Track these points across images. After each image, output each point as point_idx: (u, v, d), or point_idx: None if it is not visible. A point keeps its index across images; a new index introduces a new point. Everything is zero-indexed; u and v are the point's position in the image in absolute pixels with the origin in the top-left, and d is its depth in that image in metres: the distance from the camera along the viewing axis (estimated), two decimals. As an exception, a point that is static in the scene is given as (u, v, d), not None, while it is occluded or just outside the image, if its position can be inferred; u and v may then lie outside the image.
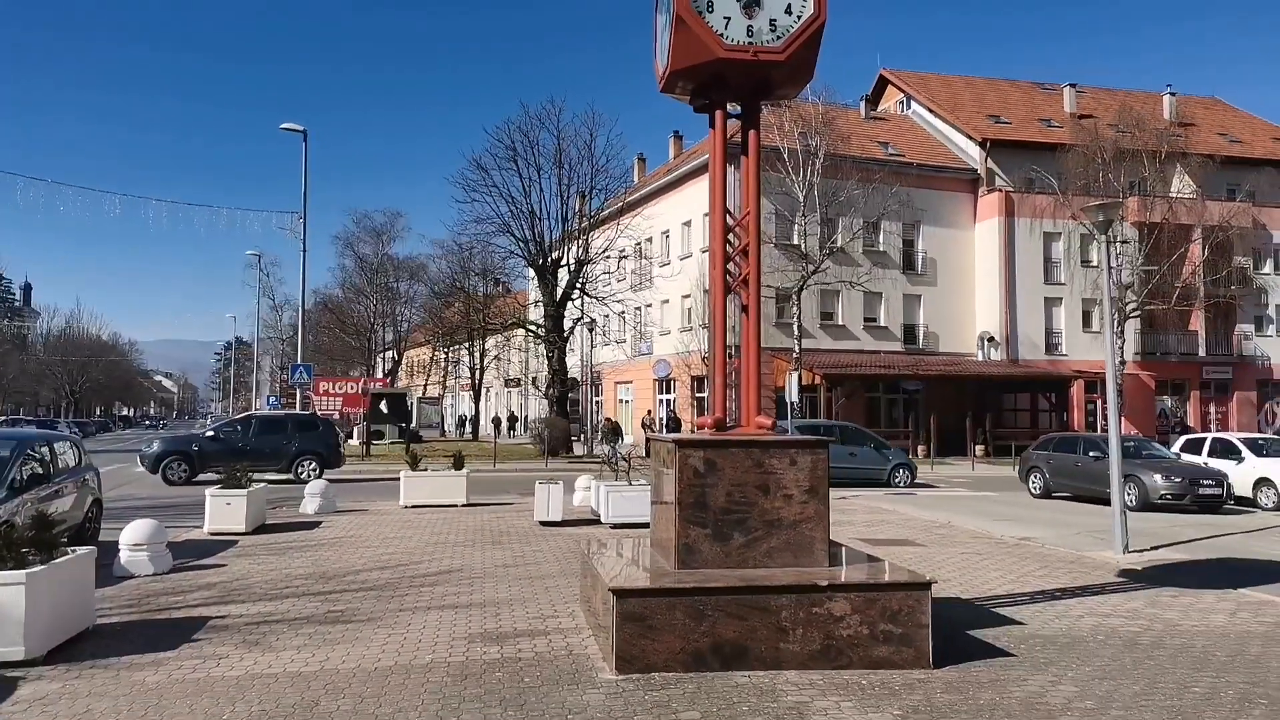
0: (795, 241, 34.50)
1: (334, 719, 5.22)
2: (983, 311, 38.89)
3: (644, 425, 36.07)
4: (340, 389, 34.38)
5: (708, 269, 7.85)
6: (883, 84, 47.73)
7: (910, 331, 38.55)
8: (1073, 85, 45.19)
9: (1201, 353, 39.42)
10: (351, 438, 40.27)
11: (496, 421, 52.99)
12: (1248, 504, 18.46)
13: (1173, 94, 44.76)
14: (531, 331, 37.40)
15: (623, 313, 38.13)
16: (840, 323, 37.42)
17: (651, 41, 7.74)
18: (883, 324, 38.08)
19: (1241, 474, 18.85)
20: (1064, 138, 38.62)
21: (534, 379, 47.08)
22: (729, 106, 7.45)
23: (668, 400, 40.18)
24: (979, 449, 34.35)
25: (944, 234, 39.05)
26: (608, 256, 34.62)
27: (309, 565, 10.30)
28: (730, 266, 7.38)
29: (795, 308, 33.72)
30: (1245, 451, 19.45)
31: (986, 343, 38.30)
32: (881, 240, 37.95)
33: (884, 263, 37.81)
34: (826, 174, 33.43)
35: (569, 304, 34.40)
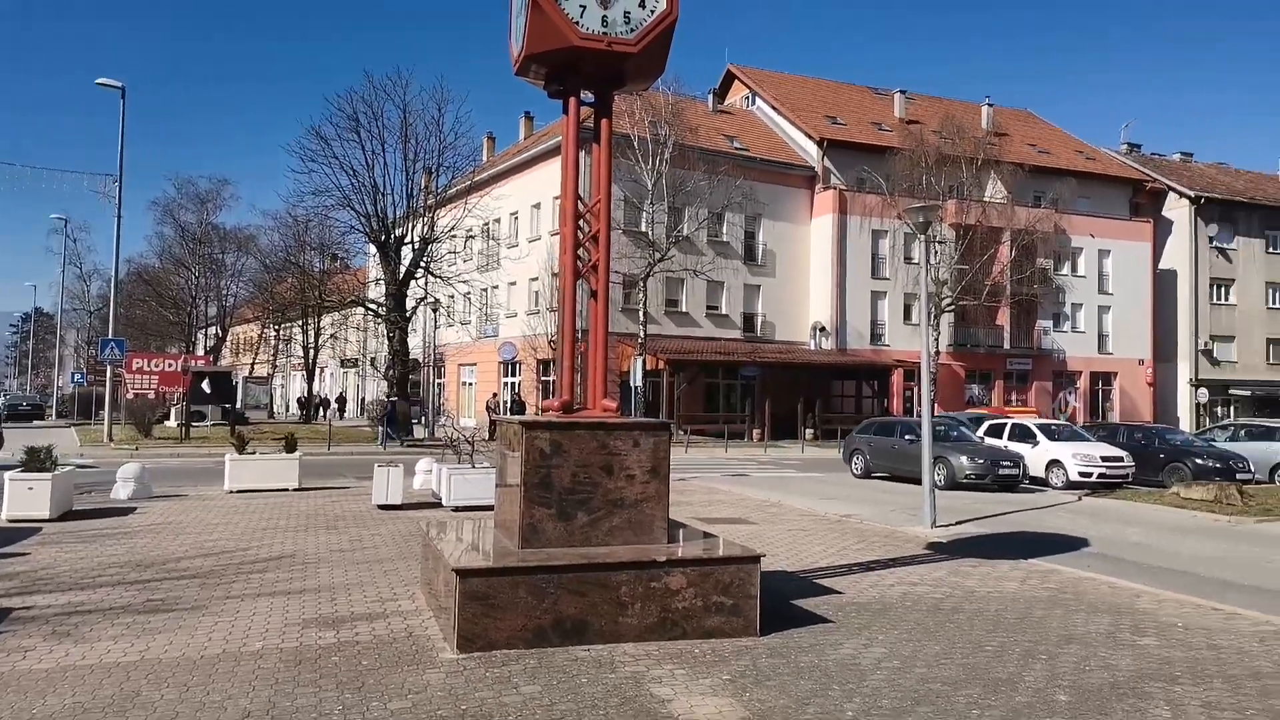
0: (643, 229, 35.06)
1: (157, 709, 5.01)
2: (816, 302, 40.87)
3: (488, 408, 35.76)
4: (156, 366, 32.04)
5: (558, 253, 7.94)
6: (730, 79, 49.05)
7: (749, 320, 40.03)
8: (903, 91, 48.03)
9: (1006, 345, 43.02)
10: (168, 419, 37.74)
11: (325, 402, 51.01)
12: (1040, 483, 20.38)
13: (990, 105, 48.43)
14: (372, 310, 36.25)
15: (469, 294, 37.59)
16: (684, 310, 38.37)
17: (506, 22, 7.73)
18: (724, 312, 39.34)
19: (1036, 456, 20.79)
20: (893, 141, 41.05)
21: (373, 359, 45.61)
22: (582, 94, 7.55)
23: (513, 383, 39.98)
24: (809, 432, 36.19)
25: (783, 227, 40.72)
26: (454, 236, 33.96)
27: (124, 553, 9.69)
28: (580, 252, 7.51)
29: (641, 294, 34.31)
30: (1040, 436, 21.46)
31: (818, 332, 40.31)
32: (725, 231, 39.13)
33: (726, 253, 39.04)
34: (674, 164, 34.14)
35: (412, 283, 33.53)
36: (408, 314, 33.54)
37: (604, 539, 6.85)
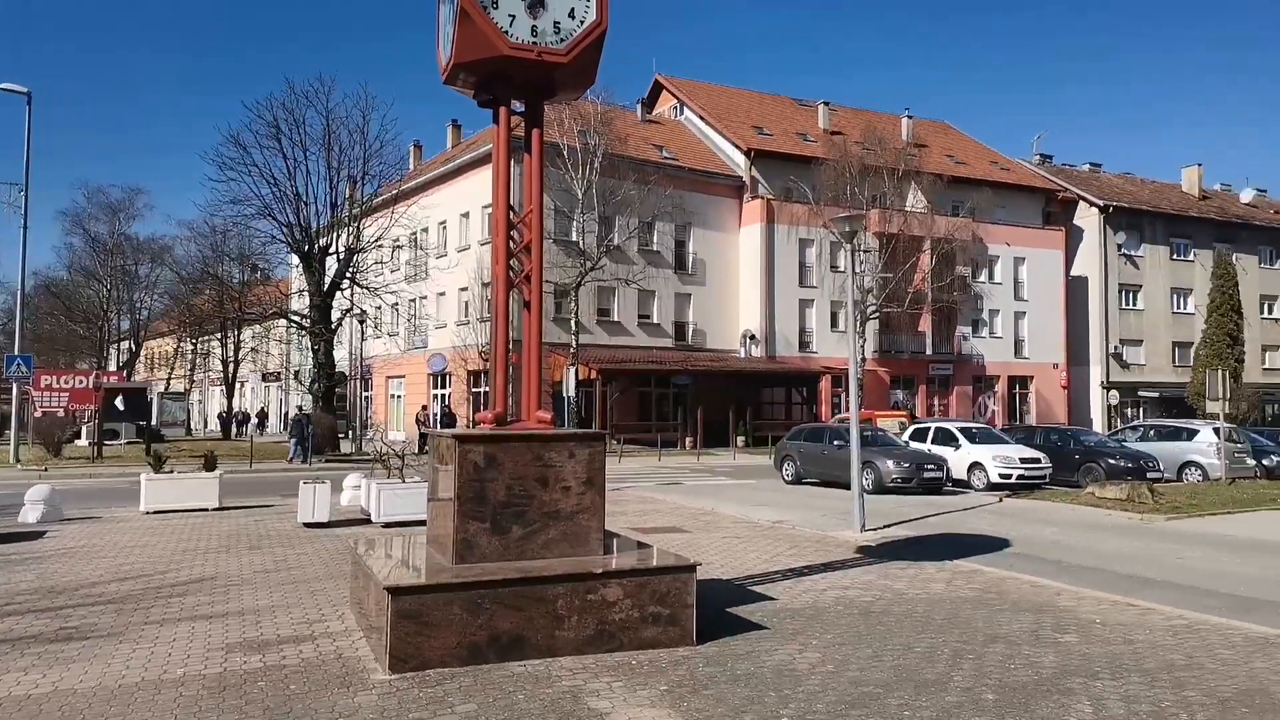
0: (574, 238, 35.02)
1: (72, 744, 4.77)
2: (746, 311, 41.36)
3: (418, 421, 35.21)
4: (66, 383, 30.65)
5: (490, 263, 7.87)
6: (658, 89, 49.41)
7: (681, 328, 40.29)
8: (826, 103, 49.06)
9: (928, 351, 44.21)
10: (79, 438, 36.14)
11: (245, 418, 49.46)
12: (962, 485, 20.98)
13: (910, 117, 49.80)
14: (295, 323, 35.32)
15: (396, 305, 36.93)
16: (616, 319, 38.42)
17: (434, 31, 7.64)
18: (656, 321, 39.53)
19: (958, 459, 21.39)
20: (818, 152, 41.90)
21: (296, 373, 44.47)
22: (513, 103, 7.51)
23: (443, 395, 39.44)
24: (740, 440, 36.56)
25: (712, 236, 41.14)
26: (380, 245, 33.35)
27: (34, 579, 9.23)
28: (512, 262, 7.45)
29: (573, 303, 34.24)
30: (961, 439, 22.10)
31: (749, 340, 40.79)
32: (655, 240, 39.36)
33: (657, 262, 39.25)
34: (605, 173, 34.22)
35: (337, 294, 32.83)
36: (333, 326, 32.81)
37: (540, 552, 6.80)
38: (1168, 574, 10.45)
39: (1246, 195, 58.35)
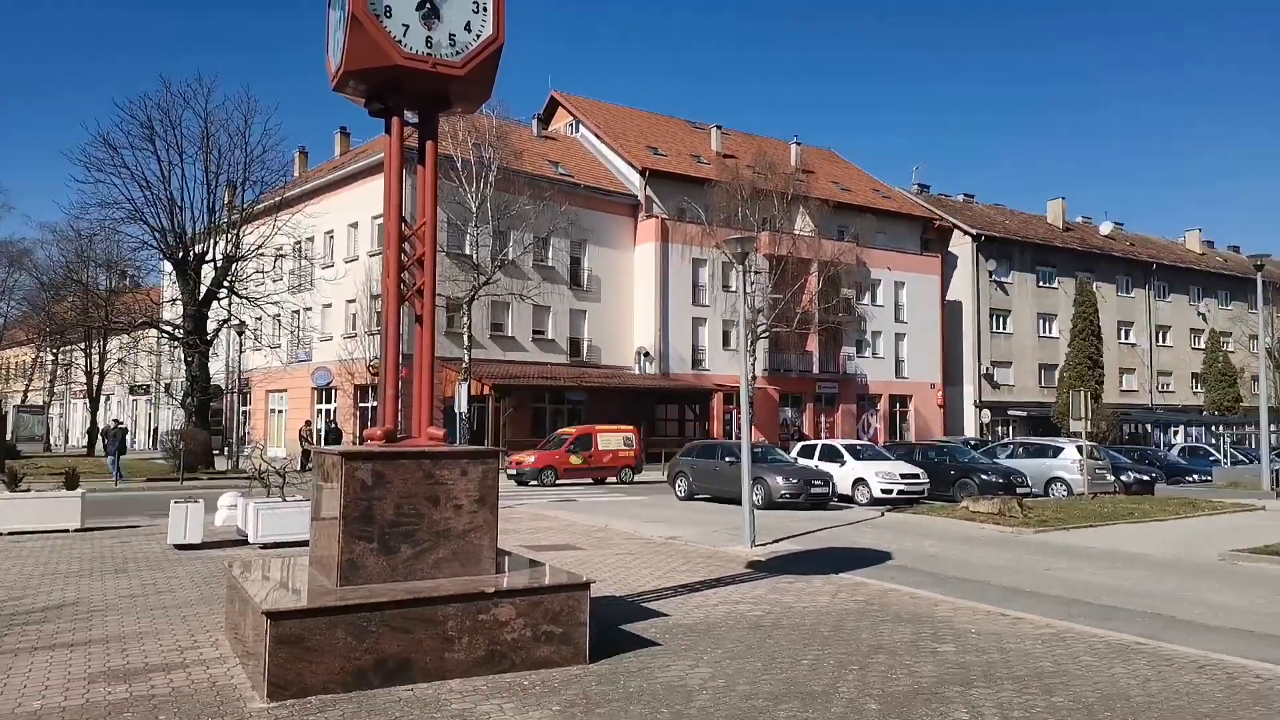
0: (467, 252, 34.57)
1: (-96, 792, 4.36)
2: (640, 328, 41.67)
3: (301, 437, 33.93)
4: (-93, 394, 28.22)
5: (379, 275, 7.68)
6: (554, 105, 49.44)
7: (575, 345, 40.24)
8: (719, 127, 50.12)
9: (815, 370, 45.51)
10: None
11: (96, 433, 46.50)
12: (847, 500, 21.64)
13: (798, 144, 51.39)
14: (167, 333, 33.54)
15: (278, 315, 35.57)
16: (510, 334, 38.06)
17: (324, 35, 7.43)
18: (550, 336, 39.36)
19: (844, 475, 22.06)
20: (711, 174, 42.70)
21: (167, 386, 42.19)
22: (406, 114, 7.37)
23: (328, 410, 38.15)
24: (634, 456, 36.65)
25: (608, 253, 41.33)
26: (262, 254, 32.08)
27: None
28: (405, 275, 7.29)
29: (466, 318, 33.74)
30: (846, 456, 22.82)
31: (643, 357, 41.09)
32: (550, 256, 39.25)
33: (552, 277, 39.14)
34: (499, 187, 33.94)
35: (215, 304, 31.37)
36: (208, 337, 31.33)
37: (430, 572, 6.63)
38: (1036, 584, 11.03)
39: (1105, 228, 62.61)
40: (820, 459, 23.07)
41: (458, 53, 6.94)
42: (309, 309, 39.72)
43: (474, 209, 33.51)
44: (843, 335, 46.23)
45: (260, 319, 35.23)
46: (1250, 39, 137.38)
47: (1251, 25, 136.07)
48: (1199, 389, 58.32)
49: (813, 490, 20.12)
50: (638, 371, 40.99)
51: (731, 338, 42.43)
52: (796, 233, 42.18)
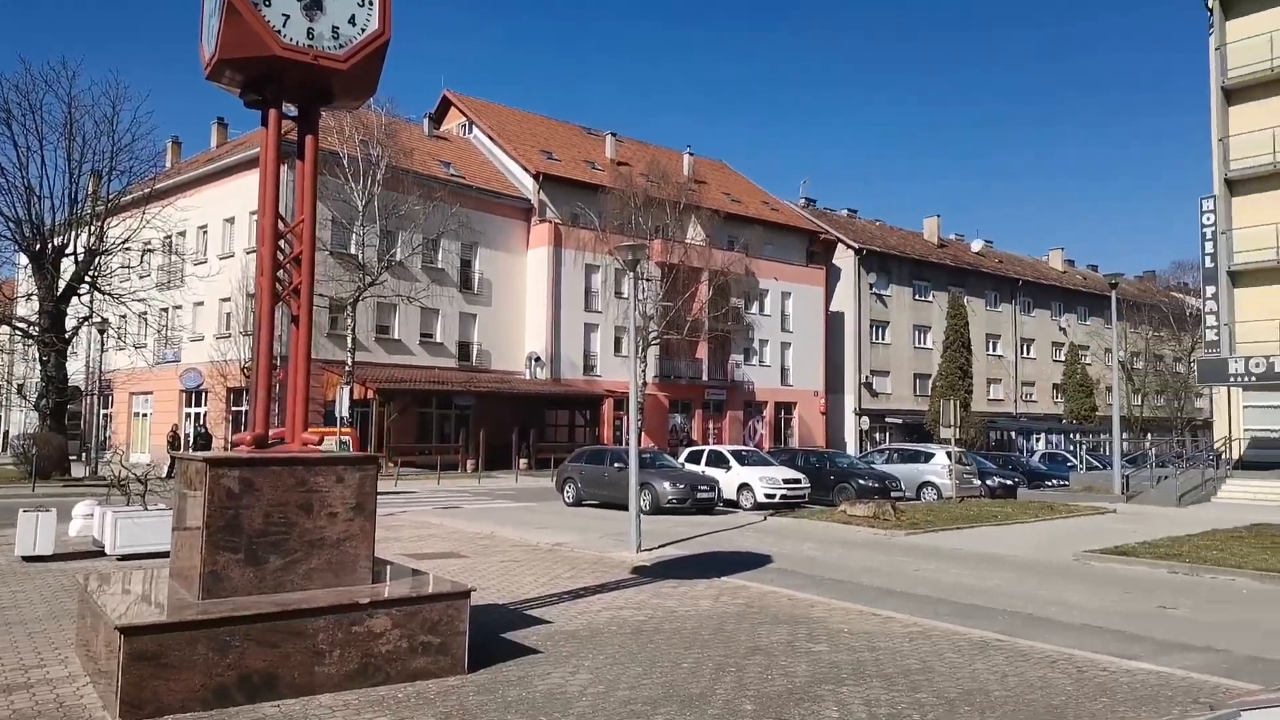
0: (353, 251, 33.57)
1: None
2: (532, 333, 41.39)
3: (169, 442, 32.16)
4: None
5: (255, 274, 7.38)
6: (446, 105, 48.64)
7: (465, 349, 39.62)
8: (613, 134, 50.36)
9: (705, 377, 46.23)
10: None
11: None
12: (733, 505, 22.03)
13: (691, 154, 52.17)
14: (20, 330, 31.24)
15: (145, 314, 33.64)
16: (396, 337, 37.15)
17: (198, 20, 7.09)
18: (439, 340, 38.62)
19: (729, 480, 22.46)
20: (605, 180, 42.86)
21: (20, 387, 39.31)
22: (285, 107, 7.11)
23: (198, 414, 36.33)
24: (523, 462, 36.38)
25: (499, 257, 40.90)
26: (128, 248, 30.26)
27: None
28: (280, 274, 7.02)
29: (350, 319, 32.74)
30: (732, 461, 23.25)
31: (534, 362, 40.81)
32: (440, 258, 38.55)
33: (442, 280, 38.45)
34: (388, 186, 33.12)
35: (75, 299, 29.40)
36: (67, 335, 29.34)
37: (301, 583, 6.39)
38: (906, 585, 11.50)
39: (976, 245, 65.98)
40: (707, 465, 23.42)
41: (341, 46, 6.75)
42: (179, 307, 37.74)
43: (360, 207, 32.60)
44: (731, 343, 47.10)
45: (125, 317, 33.25)
46: (1118, 73, 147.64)
47: (1119, 65, 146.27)
48: (1059, 399, 62.10)
49: (699, 495, 20.40)
50: (528, 376, 40.69)
51: (623, 344, 42.64)
52: (688, 241, 42.76)
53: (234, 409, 33.89)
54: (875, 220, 62.88)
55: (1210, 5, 30.32)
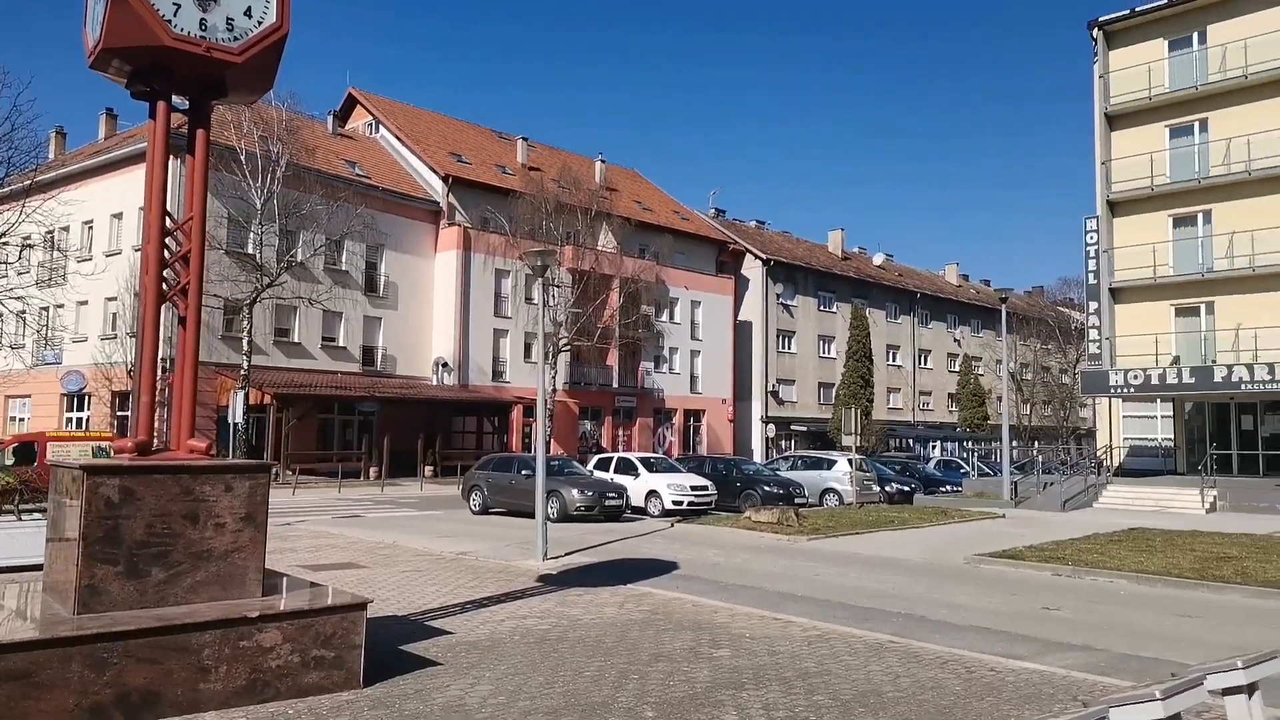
0: (250, 251, 32.40)
1: None
2: (439, 338, 40.72)
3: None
4: None
5: (140, 273, 7.03)
6: (352, 102, 47.50)
7: (369, 353, 38.70)
8: (525, 139, 50.07)
9: (615, 384, 46.32)
10: None
11: None
12: (641, 512, 22.11)
13: (603, 161, 52.29)
14: (-119, 327, 29.05)
15: (23, 312, 31.65)
16: (296, 340, 36.01)
17: (83, 3, 6.73)
18: (341, 344, 37.61)
19: (638, 487, 22.54)
20: (516, 185, 42.56)
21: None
22: (175, 99, 6.81)
23: (81, 419, 34.41)
24: (429, 469, 35.72)
25: (406, 260, 40.11)
26: (5, 243, 28.47)
27: None
28: (168, 273, 6.71)
29: (246, 321, 31.56)
30: (641, 469, 23.33)
31: (441, 368, 40.15)
32: (344, 259, 37.57)
33: (345, 282, 37.47)
34: (288, 184, 32.11)
35: (-56, 295, 27.49)
36: (-65, 333, 27.42)
37: (186, 596, 6.11)
38: (808, 589, 11.74)
39: (878, 258, 68.11)
40: (616, 472, 23.45)
41: (236, 38, 6.51)
42: (61, 306, 35.74)
43: (259, 205, 31.50)
44: (642, 351, 47.35)
45: (1, 316, 31.27)
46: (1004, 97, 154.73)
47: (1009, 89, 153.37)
48: (954, 408, 64.54)
49: (607, 503, 20.41)
50: (435, 382, 40.00)
51: (533, 350, 42.35)
52: (599, 248, 42.82)
53: (119, 414, 32.25)
54: (783, 232, 64.25)
55: (1094, 35, 32.11)
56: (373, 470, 34.20)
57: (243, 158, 30.92)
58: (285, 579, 7.41)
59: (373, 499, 26.54)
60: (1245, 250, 28.14)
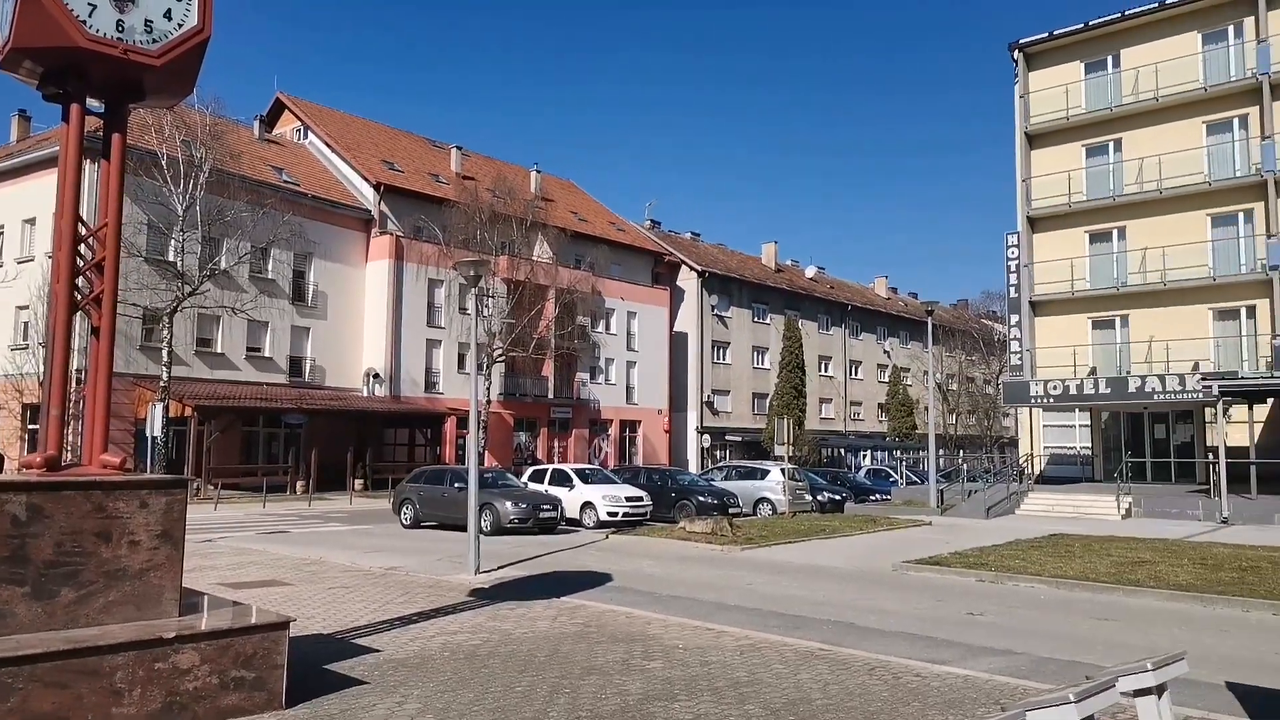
0: (171, 258, 31.39)
1: None
2: (370, 348, 39.99)
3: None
4: None
5: (51, 280, 6.75)
6: (280, 108, 46.49)
7: (296, 364, 37.80)
8: (459, 148, 49.66)
9: (551, 395, 46.10)
10: None
11: None
12: (576, 524, 22.01)
13: (538, 171, 52.15)
14: None
15: (-74, 320, 30.26)
16: (219, 350, 34.98)
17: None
18: (267, 354, 36.66)
19: (572, 499, 22.44)
20: (449, 194, 42.13)
21: None
22: (91, 102, 6.57)
23: (-12, 432, 32.80)
24: (359, 483, 34.99)
25: (336, 269, 39.35)
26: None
27: None
28: (81, 281, 6.46)
29: (166, 331, 30.54)
30: (576, 480, 23.25)
31: (372, 379, 39.43)
32: (271, 268, 36.67)
33: (272, 291, 36.56)
34: (212, 190, 31.22)
35: None
36: None
37: (98, 617, 5.86)
38: (740, 599, 11.82)
39: (810, 271, 69.29)
40: (550, 483, 23.32)
41: (154, 41, 6.31)
42: (-33, 314, 34.11)
43: (181, 212, 30.55)
44: (577, 361, 47.23)
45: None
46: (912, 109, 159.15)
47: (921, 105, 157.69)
48: (883, 418, 65.91)
49: (541, 515, 20.26)
50: (366, 394, 39.25)
51: (467, 361, 41.89)
52: (535, 259, 42.64)
53: (30, 427, 30.90)
54: (718, 244, 64.87)
55: (1015, 57, 33.29)
56: (300, 484, 33.36)
57: (164, 162, 29.97)
58: (205, 598, 7.17)
59: (299, 514, 25.88)
60: (1157, 265, 29.44)
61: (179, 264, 30.93)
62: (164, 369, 29.80)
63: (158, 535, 6.15)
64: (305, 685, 6.52)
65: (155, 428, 25.28)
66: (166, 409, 27.66)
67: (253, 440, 35.65)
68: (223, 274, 33.05)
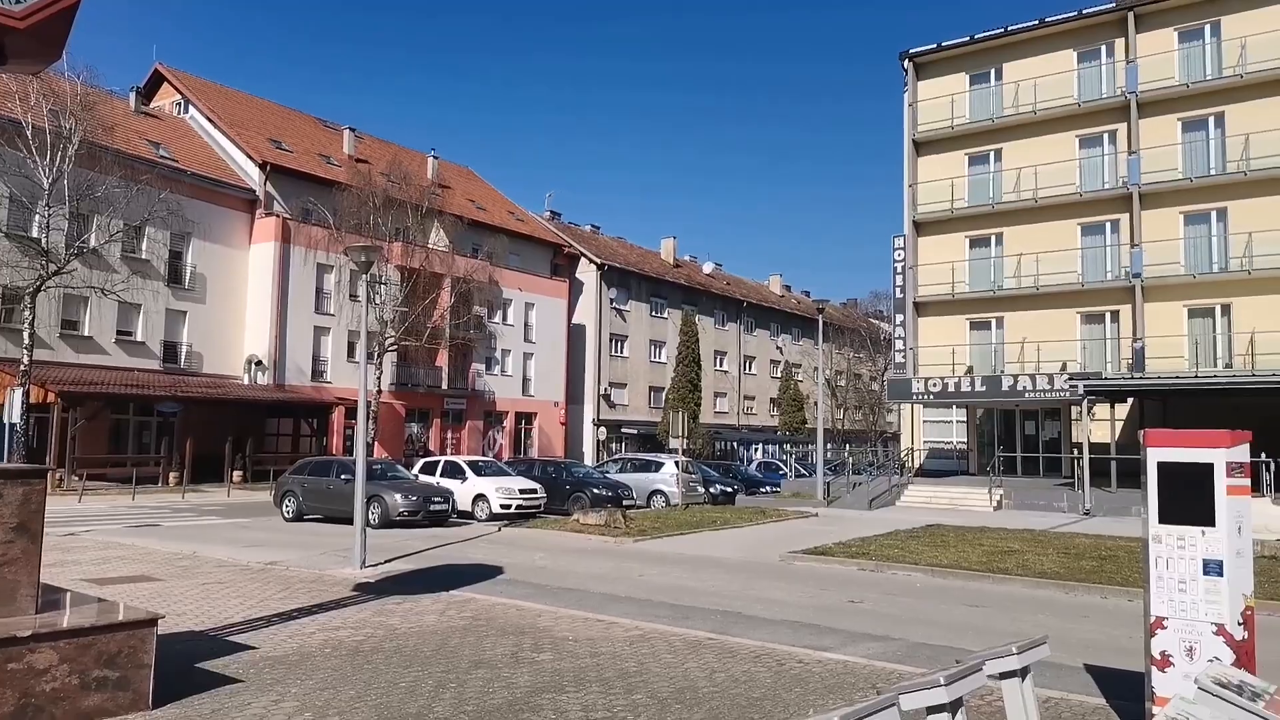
0: (35, 235, 29.33)
1: None
2: (252, 334, 38.40)
3: None
4: None
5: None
6: (159, 79, 44.04)
7: (171, 349, 35.95)
8: (352, 129, 48.13)
9: (444, 386, 45.29)
10: None
11: None
12: (468, 516, 21.71)
13: (436, 157, 51.07)
14: None
15: None
16: (86, 334, 32.94)
17: None
18: (140, 339, 34.74)
19: (465, 491, 22.11)
20: (341, 177, 40.74)
21: None
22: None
23: None
24: (238, 475, 33.56)
25: (217, 250, 37.59)
26: None
27: None
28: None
29: (28, 312, 28.52)
30: (469, 472, 22.92)
31: (254, 366, 37.86)
32: (145, 247, 34.72)
33: (146, 272, 34.63)
34: (81, 163, 29.28)
35: None
36: None
37: (-60, 618, 5.43)
38: (631, 590, 11.91)
39: (708, 267, 70.22)
40: (442, 475, 22.93)
41: (18, 1, 5.86)
42: None
43: (47, 185, 28.55)
44: (473, 352, 46.56)
45: None
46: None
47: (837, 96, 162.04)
48: (775, 412, 67.50)
49: (432, 507, 19.90)
50: (247, 381, 37.67)
51: (357, 349, 40.69)
52: (430, 246, 41.73)
53: None
54: (617, 237, 65.02)
55: (905, 66, 34.53)
56: (173, 476, 31.76)
57: (29, 132, 27.94)
58: (67, 594, 6.75)
59: (172, 507, 24.67)
60: (1031, 271, 31.12)
61: (44, 241, 28.91)
62: (25, 352, 27.82)
63: (13, 528, 5.74)
64: (175, 685, 6.22)
65: (14, 414, 23.66)
66: (27, 394, 25.90)
67: (122, 429, 33.75)
68: (91, 253, 31.08)
